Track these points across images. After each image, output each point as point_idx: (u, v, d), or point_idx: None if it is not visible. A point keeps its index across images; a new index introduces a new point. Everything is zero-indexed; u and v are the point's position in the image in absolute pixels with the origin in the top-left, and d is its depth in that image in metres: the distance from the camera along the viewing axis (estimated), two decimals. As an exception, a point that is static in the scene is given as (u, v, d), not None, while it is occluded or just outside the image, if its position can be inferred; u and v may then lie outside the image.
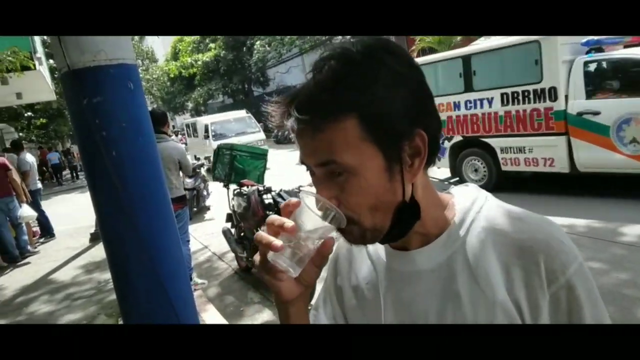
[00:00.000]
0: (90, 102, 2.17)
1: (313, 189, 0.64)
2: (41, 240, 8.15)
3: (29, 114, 16.73)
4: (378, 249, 0.75)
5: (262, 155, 5.08)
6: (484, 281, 0.62)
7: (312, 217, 0.59)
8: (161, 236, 2.42)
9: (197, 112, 33.13)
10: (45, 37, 8.88)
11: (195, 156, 8.68)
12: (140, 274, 2.34)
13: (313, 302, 0.88)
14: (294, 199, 0.62)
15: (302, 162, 0.63)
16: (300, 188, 0.68)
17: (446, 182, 6.96)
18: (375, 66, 0.58)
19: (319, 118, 0.58)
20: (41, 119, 18.33)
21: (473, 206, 0.67)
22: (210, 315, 3.83)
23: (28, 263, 6.76)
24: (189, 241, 4.43)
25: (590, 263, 3.74)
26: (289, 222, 0.59)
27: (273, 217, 0.62)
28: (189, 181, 7.96)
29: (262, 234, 0.61)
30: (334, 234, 0.62)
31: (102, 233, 2.44)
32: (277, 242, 0.59)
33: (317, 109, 0.58)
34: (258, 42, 25.36)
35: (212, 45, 28.27)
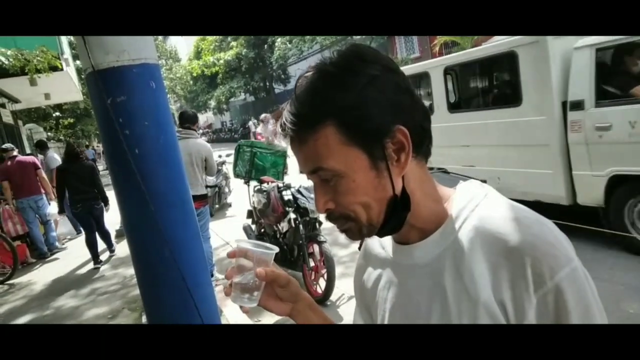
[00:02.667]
0: (114, 101, 2.23)
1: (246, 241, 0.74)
2: (69, 237, 8.39)
3: (57, 114, 17.21)
4: (386, 244, 0.77)
5: (281, 152, 5.12)
6: (469, 279, 0.62)
7: (248, 257, 0.72)
8: (183, 233, 2.47)
9: (219, 110, 33.52)
10: (71, 39, 9.11)
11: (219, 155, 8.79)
12: (162, 270, 2.39)
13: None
14: (231, 250, 0.73)
15: (301, 171, 0.69)
16: (236, 240, 0.78)
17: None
18: (348, 74, 0.62)
19: (301, 131, 0.63)
20: (69, 119, 18.82)
21: (469, 203, 0.68)
22: (231, 310, 3.89)
23: (56, 259, 6.97)
24: (209, 238, 4.50)
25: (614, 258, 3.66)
26: (230, 268, 0.73)
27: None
28: (210, 178, 8.07)
29: (226, 285, 0.74)
30: (269, 262, 0.73)
31: (126, 229, 2.51)
32: (227, 290, 0.73)
33: (298, 123, 0.63)
34: (279, 40, 25.47)
35: (233, 43, 28.52)
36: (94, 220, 6.06)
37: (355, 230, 0.67)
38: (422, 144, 0.66)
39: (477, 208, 0.67)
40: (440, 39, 13.51)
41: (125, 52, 2.22)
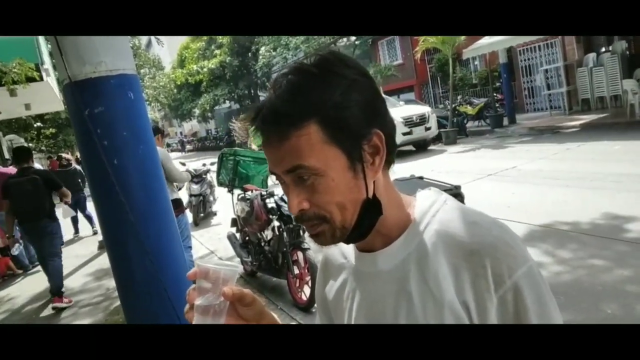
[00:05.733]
0: (92, 112, 2.22)
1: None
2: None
3: (38, 124, 16.95)
4: (348, 253, 0.79)
5: (265, 160, 5.13)
6: (434, 282, 0.65)
7: (209, 277, 0.67)
8: (163, 242, 2.46)
9: (204, 118, 33.35)
10: (51, 49, 8.98)
11: (203, 164, 8.76)
12: (142, 279, 2.38)
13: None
14: (191, 271, 0.69)
15: (272, 172, 0.68)
16: (196, 262, 0.75)
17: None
18: (330, 75, 0.64)
19: (283, 126, 0.63)
20: (50, 129, 18.55)
21: (430, 209, 0.70)
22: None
23: (38, 271, 6.85)
24: (190, 247, 4.47)
25: (593, 260, 3.73)
26: (190, 289, 0.69)
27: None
28: (195, 187, 8.04)
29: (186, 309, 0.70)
30: (232, 280, 0.69)
31: (106, 239, 2.49)
32: (189, 314, 0.68)
33: (281, 119, 0.63)
34: (263, 48, 25.49)
35: (217, 51, 28.45)
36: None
37: (328, 233, 0.67)
38: (390, 152, 0.69)
39: (438, 213, 0.69)
40: (422, 46, 13.67)
41: (103, 62, 2.22)
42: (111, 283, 5.45)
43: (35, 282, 6.25)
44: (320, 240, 0.69)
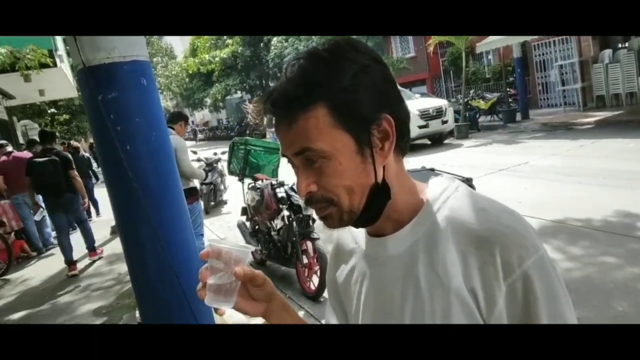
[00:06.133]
0: (105, 98, 2.24)
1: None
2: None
3: (52, 110, 17.12)
4: (359, 238, 0.79)
5: (276, 150, 5.13)
6: (442, 268, 0.65)
7: (222, 257, 0.69)
8: (175, 228, 2.49)
9: (215, 108, 33.43)
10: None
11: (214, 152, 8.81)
12: (154, 265, 2.41)
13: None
14: (204, 250, 0.71)
15: (283, 154, 0.69)
16: (209, 241, 0.77)
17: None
18: (340, 60, 0.64)
19: (293, 110, 0.64)
20: (64, 115, 18.73)
21: (441, 195, 0.70)
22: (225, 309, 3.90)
23: (52, 254, 6.96)
24: (202, 235, 4.51)
25: (605, 257, 3.70)
26: (202, 269, 0.71)
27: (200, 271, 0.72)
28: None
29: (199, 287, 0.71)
30: (244, 261, 0.71)
31: (118, 225, 2.52)
32: (201, 292, 0.70)
33: (290, 102, 0.64)
34: (275, 39, 25.41)
35: (229, 41, 28.42)
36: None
37: (336, 216, 0.68)
38: (402, 138, 0.69)
39: (449, 199, 0.69)
40: (434, 39, 13.53)
41: (116, 49, 2.23)
42: (123, 268, 5.53)
43: (49, 265, 6.35)
44: (328, 223, 0.70)
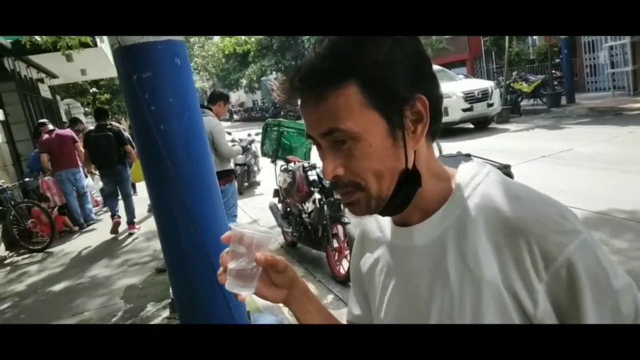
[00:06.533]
0: (140, 78, 2.25)
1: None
2: (104, 209, 8.68)
3: (94, 89, 17.67)
4: (385, 227, 0.75)
5: (309, 132, 5.10)
6: (472, 259, 0.61)
7: (243, 241, 0.67)
8: (206, 208, 2.51)
9: (251, 89, 33.64)
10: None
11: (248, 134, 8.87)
12: (186, 244, 2.44)
13: None
14: (225, 234, 0.69)
15: (309, 135, 0.65)
16: (232, 226, 0.75)
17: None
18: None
19: (322, 86, 0.60)
20: (105, 95, 19.31)
21: (471, 182, 0.66)
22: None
23: (92, 230, 7.24)
24: (235, 216, 4.55)
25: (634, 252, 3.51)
26: (224, 253, 0.69)
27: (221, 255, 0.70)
28: (240, 157, 8.16)
29: (219, 271, 0.70)
30: (266, 246, 0.69)
31: (152, 202, 2.57)
32: (222, 276, 0.68)
33: (319, 78, 0.60)
34: (312, 18, 25.13)
35: (266, 21, 28.36)
36: None
37: (363, 202, 0.64)
38: (435, 122, 0.64)
39: (480, 186, 0.65)
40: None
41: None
42: (159, 245, 5.68)
43: (89, 239, 6.62)
44: (354, 210, 0.66)
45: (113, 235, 6.53)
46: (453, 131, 10.17)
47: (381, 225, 0.77)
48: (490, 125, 11.18)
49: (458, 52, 18.67)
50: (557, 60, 13.97)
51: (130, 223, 6.62)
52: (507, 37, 12.29)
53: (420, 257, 0.66)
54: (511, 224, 0.59)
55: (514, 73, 14.33)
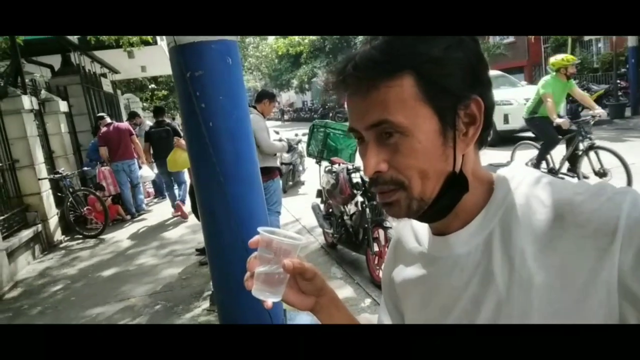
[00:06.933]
0: (193, 76, 2.33)
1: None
2: (155, 200, 9.04)
3: (152, 86, 18.43)
4: (422, 236, 0.72)
5: (355, 134, 5.08)
6: (520, 263, 0.57)
7: (271, 247, 0.66)
8: (249, 205, 2.55)
9: (301, 89, 33.98)
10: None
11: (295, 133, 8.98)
12: (227, 239, 2.50)
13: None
14: (253, 239, 0.68)
15: (352, 129, 0.63)
16: (259, 229, 0.74)
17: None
18: None
19: (375, 75, 0.57)
20: (163, 91, 20.09)
21: (511, 183, 0.63)
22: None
23: (143, 219, 7.55)
24: (279, 213, 4.60)
25: None
26: (251, 257, 0.69)
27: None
28: (286, 155, 8.27)
29: (246, 276, 0.69)
30: (294, 253, 0.68)
31: (197, 196, 2.65)
32: (248, 282, 0.68)
33: (373, 67, 0.57)
34: (365, 21, 25.09)
35: (319, 23, 28.58)
36: None
37: (404, 203, 0.60)
38: (486, 128, 0.61)
39: (520, 186, 0.61)
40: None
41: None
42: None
43: (139, 229, 6.90)
44: (392, 211, 0.62)
45: (161, 226, 6.79)
46: (513, 139, 9.81)
47: (417, 233, 0.73)
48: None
49: (516, 59, 18.05)
50: (622, 70, 13.19)
51: (182, 201, 7.21)
52: (569, 44, 11.76)
53: (460, 268, 0.63)
54: (558, 214, 0.56)
55: (575, 82, 13.67)
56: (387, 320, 0.81)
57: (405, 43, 0.57)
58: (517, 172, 0.64)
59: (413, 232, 0.75)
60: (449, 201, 0.61)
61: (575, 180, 0.60)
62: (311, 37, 27.58)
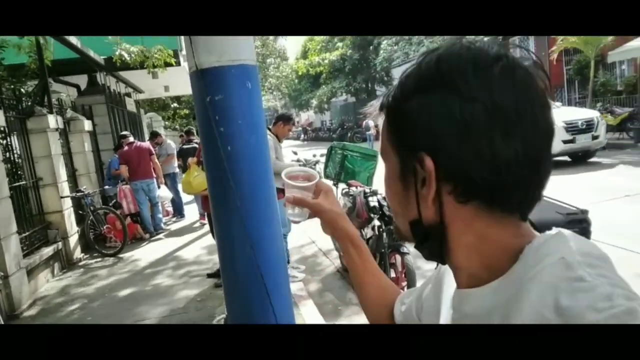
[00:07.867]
0: (212, 100, 2.35)
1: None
2: (173, 219, 9.10)
3: (175, 105, 18.79)
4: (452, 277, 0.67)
5: (373, 157, 5.05)
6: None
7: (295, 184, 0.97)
8: (266, 231, 2.53)
9: (320, 109, 34.25)
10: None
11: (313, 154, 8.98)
12: (241, 261, 2.47)
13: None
14: (289, 198, 0.98)
15: None
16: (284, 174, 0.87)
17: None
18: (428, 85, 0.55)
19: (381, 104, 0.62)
20: (184, 110, 20.47)
21: (539, 265, 0.51)
22: (308, 310, 3.93)
23: (160, 239, 7.60)
24: (284, 235, 4.58)
25: None
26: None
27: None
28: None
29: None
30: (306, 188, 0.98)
31: (214, 219, 2.64)
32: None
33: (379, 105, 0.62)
34: (385, 42, 25.32)
35: (339, 44, 28.92)
36: None
37: (396, 228, 0.65)
38: (471, 189, 0.53)
39: (545, 272, 0.50)
40: (560, 45, 12.43)
41: (227, 53, 2.32)
42: (219, 258, 5.84)
43: (157, 248, 6.93)
44: (395, 230, 0.67)
45: (179, 246, 6.81)
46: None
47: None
48: (590, 159, 10.00)
49: (536, 81, 17.86)
50: (647, 93, 12.94)
51: (202, 216, 7.92)
52: (592, 67, 11.61)
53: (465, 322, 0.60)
54: (559, 318, 0.46)
55: (599, 104, 13.43)
56: (407, 299, 0.83)
57: (401, 76, 0.58)
58: (554, 249, 0.52)
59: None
60: (422, 247, 0.60)
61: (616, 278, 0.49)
62: (331, 58, 27.93)
